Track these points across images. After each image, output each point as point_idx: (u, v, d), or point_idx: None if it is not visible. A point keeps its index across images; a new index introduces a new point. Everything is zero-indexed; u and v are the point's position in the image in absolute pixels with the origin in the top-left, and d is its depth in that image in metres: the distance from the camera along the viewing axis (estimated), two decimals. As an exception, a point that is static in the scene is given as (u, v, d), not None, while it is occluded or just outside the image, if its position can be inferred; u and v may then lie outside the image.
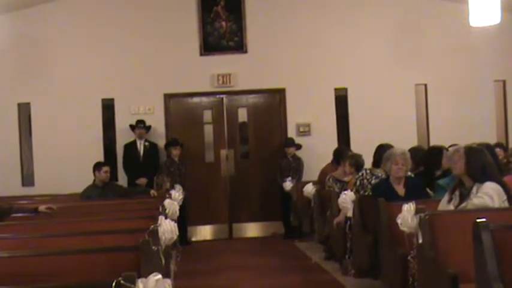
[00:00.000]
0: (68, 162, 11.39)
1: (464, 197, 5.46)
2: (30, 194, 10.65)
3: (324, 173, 10.19)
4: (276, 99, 12.11)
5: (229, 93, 12.01)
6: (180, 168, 11.35)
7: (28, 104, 11.80)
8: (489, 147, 6.83)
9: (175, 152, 11.32)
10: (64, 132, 11.58)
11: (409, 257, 5.49)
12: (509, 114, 12.22)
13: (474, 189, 5.40)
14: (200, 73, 11.78)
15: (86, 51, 11.71)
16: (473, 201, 5.30)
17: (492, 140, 10.73)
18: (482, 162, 5.49)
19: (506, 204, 5.37)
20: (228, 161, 12.04)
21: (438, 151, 7.75)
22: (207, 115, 12.14)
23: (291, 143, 11.58)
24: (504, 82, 12.26)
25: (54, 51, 11.66)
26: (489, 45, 11.88)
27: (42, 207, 6.96)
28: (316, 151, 11.43)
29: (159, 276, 3.47)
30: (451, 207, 5.50)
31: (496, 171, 5.57)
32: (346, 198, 7.62)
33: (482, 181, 5.38)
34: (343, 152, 9.31)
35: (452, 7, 11.56)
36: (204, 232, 11.99)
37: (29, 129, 11.94)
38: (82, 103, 11.65)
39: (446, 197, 5.63)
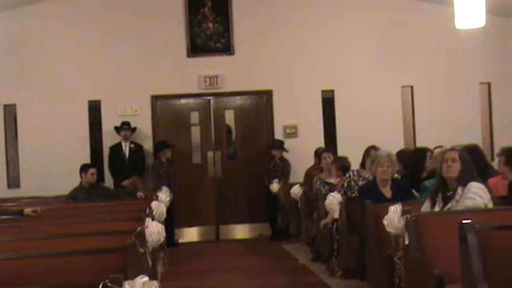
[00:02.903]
0: (55, 164, 11.33)
1: (448, 199, 5.48)
2: (16, 196, 10.59)
3: (308, 175, 10.23)
4: (263, 101, 12.12)
5: (216, 94, 12.01)
6: (169, 170, 11.33)
7: (14, 105, 11.75)
8: (476, 149, 6.89)
9: (168, 154, 11.31)
10: (50, 134, 11.53)
11: (395, 258, 5.52)
12: (494, 117, 12.29)
13: (459, 191, 5.42)
14: (187, 75, 11.78)
15: (72, 52, 11.67)
16: (466, 203, 5.31)
17: (477, 141, 10.80)
18: (471, 166, 5.52)
19: (491, 204, 5.41)
20: (215, 162, 12.04)
21: (422, 153, 7.81)
22: (194, 117, 12.13)
23: (275, 145, 11.58)
24: (489, 84, 12.33)
25: (40, 52, 11.61)
26: (474, 48, 11.95)
27: (27, 210, 6.93)
28: (303, 153, 11.43)
29: (146, 278, 3.48)
30: (436, 210, 5.52)
31: (478, 174, 5.61)
32: (333, 200, 7.64)
33: (466, 184, 5.42)
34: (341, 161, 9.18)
35: (438, 10, 11.61)
36: (191, 234, 11.97)
37: (14, 130, 11.88)
38: (68, 105, 11.61)
39: (428, 203, 5.63)
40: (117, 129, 11.40)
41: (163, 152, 11.30)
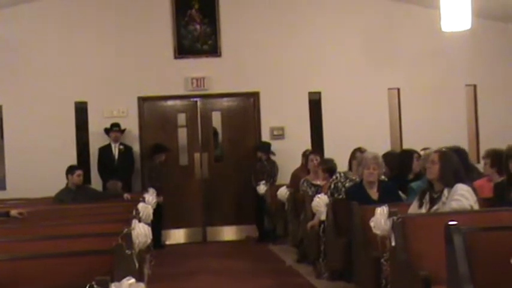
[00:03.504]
0: (41, 165, 11.27)
1: (434, 200, 5.52)
2: (1, 198, 10.52)
3: (295, 176, 10.25)
4: (250, 102, 12.13)
5: (203, 96, 12.00)
6: (161, 173, 11.31)
7: (0, 106, 11.69)
8: (460, 151, 6.92)
9: (163, 157, 11.32)
10: (37, 136, 11.47)
11: (382, 260, 5.55)
12: (480, 118, 12.35)
13: (445, 193, 5.46)
14: (174, 76, 11.76)
15: (58, 53, 11.63)
16: (452, 205, 5.35)
17: (463, 143, 10.86)
18: (454, 167, 5.55)
19: (477, 205, 5.45)
20: (202, 164, 12.03)
21: (409, 155, 7.84)
22: (181, 118, 12.11)
23: (261, 147, 11.59)
24: (475, 86, 12.39)
25: (27, 53, 11.55)
26: (460, 50, 12.01)
27: (14, 212, 6.91)
28: (290, 155, 11.44)
29: (133, 280, 3.47)
30: (423, 212, 5.55)
31: (465, 175, 5.64)
32: (320, 202, 7.65)
33: (452, 185, 5.45)
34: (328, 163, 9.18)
35: (425, 12, 11.66)
36: (177, 235, 11.95)
37: (0, 132, 11.82)
38: (55, 106, 11.56)
39: (416, 203, 5.67)
40: (107, 131, 11.36)
41: (159, 155, 11.29)
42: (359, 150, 8.07)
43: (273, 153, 11.58)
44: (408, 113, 12.16)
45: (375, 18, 12.05)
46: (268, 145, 11.64)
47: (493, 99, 12.22)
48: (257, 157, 11.59)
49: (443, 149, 5.92)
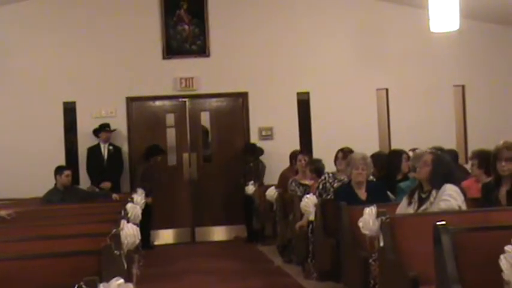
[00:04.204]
0: (29, 166, 11.22)
1: (423, 200, 5.54)
2: (-11, 199, 10.48)
3: (283, 177, 10.26)
4: (238, 103, 12.13)
5: (192, 96, 11.99)
6: (153, 174, 11.28)
7: (-13, 107, 11.64)
8: (446, 153, 6.94)
9: (159, 159, 11.33)
10: (25, 136, 11.42)
11: (370, 260, 5.56)
12: (468, 119, 12.39)
13: (434, 193, 5.48)
14: (163, 76, 11.75)
15: (47, 54, 11.59)
16: (440, 205, 5.37)
17: (452, 143, 10.92)
18: (445, 172, 5.57)
19: (465, 206, 5.47)
20: (191, 164, 12.02)
21: (398, 155, 7.86)
22: (170, 119, 12.10)
23: (246, 149, 11.60)
24: (463, 87, 12.43)
25: (15, 53, 11.50)
26: (449, 51, 12.05)
27: (2, 213, 6.88)
28: (279, 155, 11.44)
29: (121, 280, 3.47)
30: (411, 210, 5.57)
31: (454, 178, 5.66)
32: (309, 202, 7.66)
33: (439, 187, 5.47)
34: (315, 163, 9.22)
35: (413, 13, 11.68)
36: (166, 236, 11.93)
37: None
38: (43, 106, 11.52)
39: (405, 201, 5.70)
40: (96, 131, 11.32)
41: (155, 157, 11.28)
42: (341, 150, 8.05)
43: (262, 152, 11.56)
44: (397, 114, 12.19)
45: (363, 18, 12.06)
46: (253, 146, 11.65)
47: (481, 99, 12.26)
48: (246, 159, 11.59)
49: (438, 152, 5.92)
